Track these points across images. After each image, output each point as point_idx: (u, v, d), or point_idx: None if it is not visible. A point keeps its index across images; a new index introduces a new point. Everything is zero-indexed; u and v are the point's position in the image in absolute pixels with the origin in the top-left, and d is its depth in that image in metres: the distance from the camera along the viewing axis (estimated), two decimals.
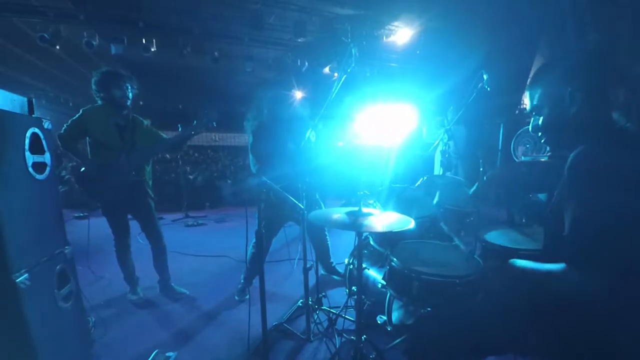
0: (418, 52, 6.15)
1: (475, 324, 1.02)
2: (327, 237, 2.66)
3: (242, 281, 2.45)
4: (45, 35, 4.65)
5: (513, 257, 0.99)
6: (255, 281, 2.39)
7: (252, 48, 5.85)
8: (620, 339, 0.79)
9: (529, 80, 1.01)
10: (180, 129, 2.23)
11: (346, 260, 2.20)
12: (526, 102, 1.03)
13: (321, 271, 2.70)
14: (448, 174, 2.90)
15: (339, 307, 2.10)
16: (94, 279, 2.73)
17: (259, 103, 2.31)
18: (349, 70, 1.74)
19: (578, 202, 0.80)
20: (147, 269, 2.46)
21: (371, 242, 1.99)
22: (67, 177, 5.86)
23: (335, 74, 6.41)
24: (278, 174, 1.70)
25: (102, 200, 2.18)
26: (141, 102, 7.75)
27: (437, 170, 3.74)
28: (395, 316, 1.67)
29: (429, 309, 1.37)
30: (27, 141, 1.36)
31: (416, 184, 2.37)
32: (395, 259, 1.43)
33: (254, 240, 1.97)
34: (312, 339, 1.90)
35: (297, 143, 2.17)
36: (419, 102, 3.64)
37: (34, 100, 1.50)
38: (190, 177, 6.83)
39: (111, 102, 2.14)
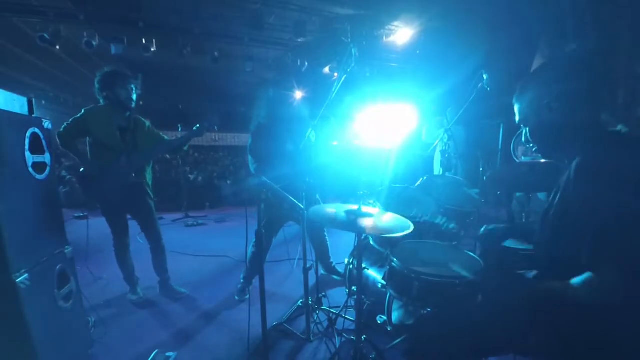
0: (418, 52, 6.15)
1: (476, 324, 1.01)
2: (327, 237, 2.66)
3: (242, 281, 2.45)
4: (45, 35, 4.65)
5: (513, 257, 0.99)
6: (255, 281, 2.39)
7: (252, 48, 5.85)
8: (620, 339, 0.79)
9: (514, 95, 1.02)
10: (180, 129, 2.24)
11: (346, 260, 2.20)
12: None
13: (321, 271, 2.70)
14: (448, 174, 2.90)
15: (339, 307, 2.10)
16: (94, 279, 2.73)
17: (259, 103, 2.32)
18: (349, 70, 1.74)
19: (601, 209, 0.77)
20: (147, 269, 2.46)
21: (371, 242, 1.99)
22: (67, 177, 5.85)
23: (335, 74, 6.42)
24: (278, 174, 1.70)
25: (102, 200, 2.17)
26: (141, 102, 7.73)
27: (437, 170, 3.74)
28: (395, 316, 1.67)
29: (429, 309, 1.37)
30: (27, 141, 1.36)
31: (416, 184, 2.37)
32: (395, 259, 1.43)
33: (254, 240, 1.97)
34: (312, 339, 1.89)
35: (297, 143, 2.17)
36: (419, 102, 3.64)
37: (34, 100, 1.51)
38: (190, 177, 6.83)
39: (115, 103, 2.12)
